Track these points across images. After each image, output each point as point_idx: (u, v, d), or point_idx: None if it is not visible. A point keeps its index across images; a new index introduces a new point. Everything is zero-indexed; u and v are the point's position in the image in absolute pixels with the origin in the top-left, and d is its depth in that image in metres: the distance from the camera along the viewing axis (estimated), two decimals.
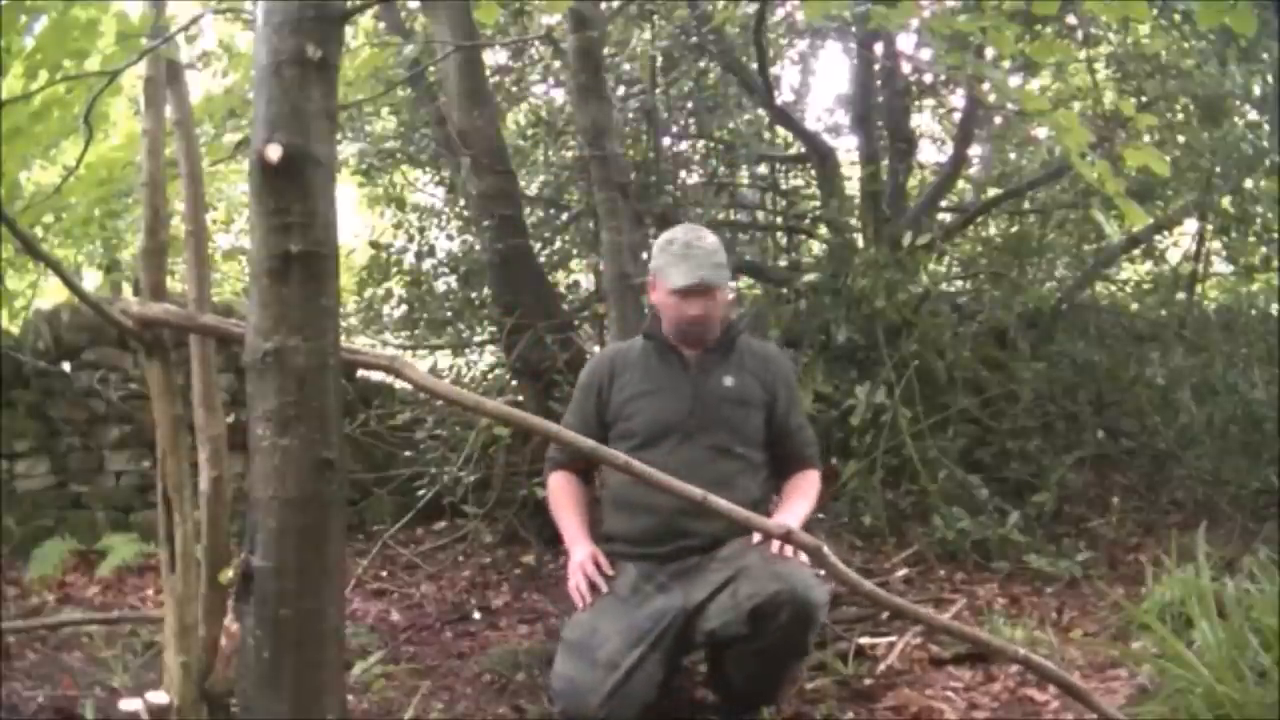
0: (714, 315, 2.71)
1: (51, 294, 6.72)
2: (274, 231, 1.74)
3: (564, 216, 6.17)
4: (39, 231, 4.58)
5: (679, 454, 2.60)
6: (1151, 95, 5.50)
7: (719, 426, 2.67)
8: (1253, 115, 5.53)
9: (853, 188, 6.05)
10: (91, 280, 7.35)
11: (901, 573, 3.75)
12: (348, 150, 5.96)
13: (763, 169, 6.69)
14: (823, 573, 2.26)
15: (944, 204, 6.36)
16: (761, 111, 6.16)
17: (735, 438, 2.67)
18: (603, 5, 5.05)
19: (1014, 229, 6.39)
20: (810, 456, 2.83)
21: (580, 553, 2.65)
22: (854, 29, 5.56)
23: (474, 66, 4.73)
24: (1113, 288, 6.63)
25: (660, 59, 5.77)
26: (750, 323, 5.06)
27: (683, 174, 6.23)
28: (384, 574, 4.29)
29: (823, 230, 5.95)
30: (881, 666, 2.91)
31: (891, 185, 5.82)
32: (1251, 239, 5.86)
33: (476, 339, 6.08)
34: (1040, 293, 5.22)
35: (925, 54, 5.77)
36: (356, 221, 7.42)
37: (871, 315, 4.68)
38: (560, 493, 2.82)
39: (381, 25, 5.56)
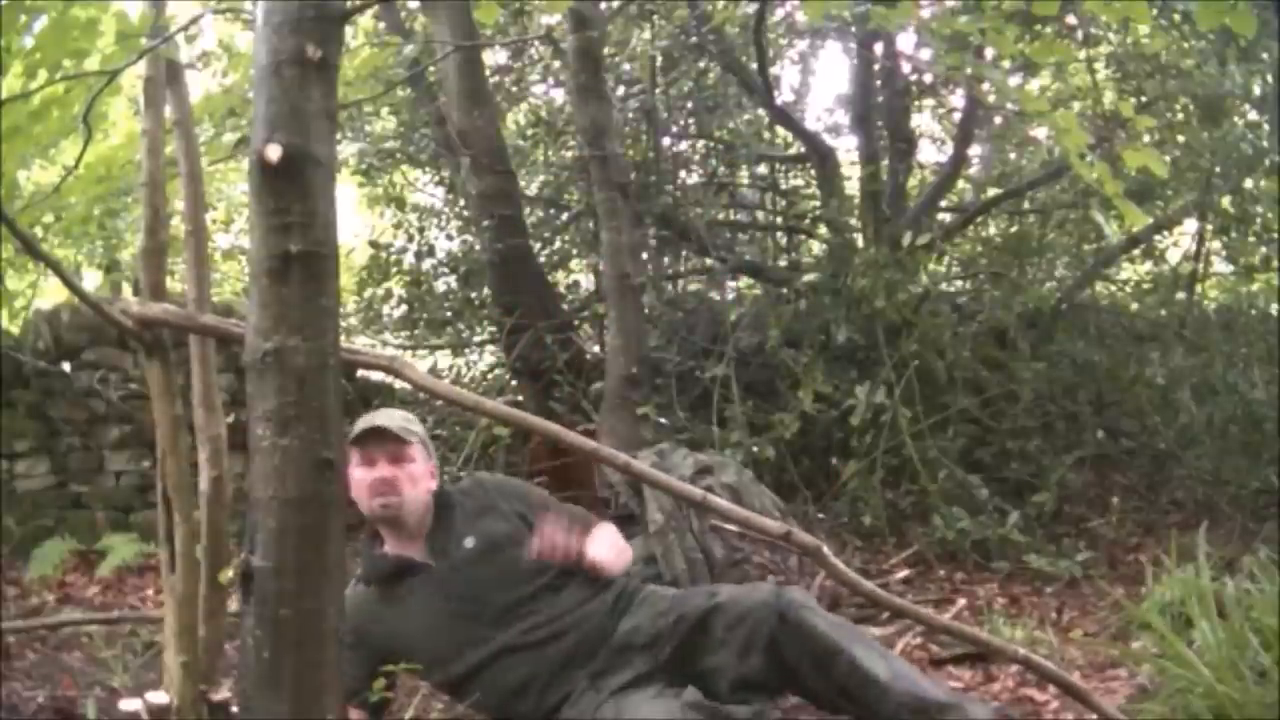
0: (402, 481, 2.31)
1: (51, 294, 6.71)
2: (274, 231, 1.74)
3: (564, 216, 6.17)
4: (39, 231, 4.57)
5: (509, 656, 2.22)
6: (1151, 95, 5.51)
7: (498, 595, 2.27)
8: (1253, 115, 5.54)
9: (853, 188, 6.06)
10: (91, 280, 7.35)
11: (902, 574, 3.75)
12: (348, 150, 5.96)
13: (763, 169, 6.69)
14: None
15: (944, 204, 6.37)
16: (761, 111, 6.17)
17: (524, 585, 2.25)
18: (603, 5, 5.06)
19: (1014, 229, 6.40)
20: (589, 523, 2.39)
21: None
22: (854, 29, 5.56)
23: (474, 66, 4.74)
24: (1113, 288, 6.64)
25: (660, 59, 5.77)
26: (750, 322, 5.06)
27: (683, 174, 6.23)
28: None
29: (823, 230, 5.96)
30: None
31: (891, 185, 5.82)
32: (1251, 239, 5.87)
33: (476, 339, 6.08)
34: (1040, 293, 5.22)
35: (925, 54, 5.78)
36: (356, 221, 7.41)
37: (871, 315, 4.68)
38: None
39: (381, 25, 5.56)
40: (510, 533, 2.33)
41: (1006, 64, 4.65)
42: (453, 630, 2.27)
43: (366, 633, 2.31)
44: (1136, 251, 6.38)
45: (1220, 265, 6.64)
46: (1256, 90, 5.17)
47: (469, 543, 2.32)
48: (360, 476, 2.33)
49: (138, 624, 3.20)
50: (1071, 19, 5.09)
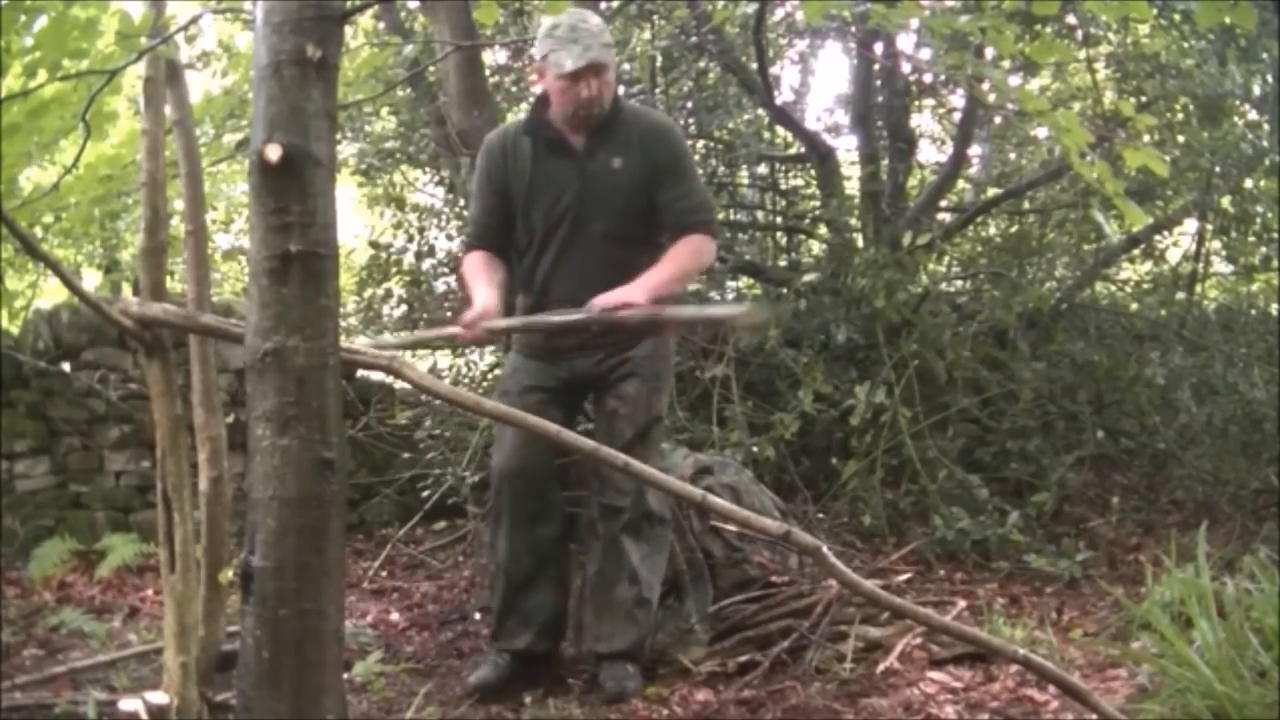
0: (605, 95, 2.73)
1: (51, 294, 6.71)
2: (273, 231, 1.74)
3: None
4: (39, 231, 4.58)
5: (572, 243, 2.73)
6: (1151, 95, 5.50)
7: (607, 213, 2.73)
8: (1253, 115, 5.54)
9: (853, 188, 6.05)
10: (91, 280, 7.35)
11: (904, 576, 3.74)
12: (348, 150, 5.96)
13: (763, 169, 6.69)
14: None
15: (944, 204, 6.36)
16: (761, 111, 6.16)
17: (625, 222, 2.72)
18: (603, 5, 5.05)
19: (1014, 229, 6.39)
20: (691, 224, 2.80)
21: (479, 306, 2.72)
22: (854, 29, 5.55)
23: (474, 66, 4.73)
24: (1113, 288, 6.63)
25: (660, 59, 5.77)
26: None
27: None
28: (384, 574, 4.29)
29: (822, 230, 5.95)
30: (881, 666, 2.91)
31: (891, 185, 5.82)
32: (1251, 239, 5.87)
33: None
34: (1040, 293, 5.22)
35: (925, 54, 5.77)
36: (356, 221, 7.40)
37: (871, 315, 4.68)
38: (473, 264, 2.88)
39: (381, 25, 5.55)
40: (646, 177, 2.76)
41: (1006, 64, 4.65)
42: (560, 217, 2.76)
43: (510, 164, 2.81)
44: (1136, 251, 6.38)
45: (1220, 265, 6.63)
46: (1256, 90, 5.17)
47: (616, 163, 2.76)
48: (565, 88, 2.70)
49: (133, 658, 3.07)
50: (1071, 19, 5.09)
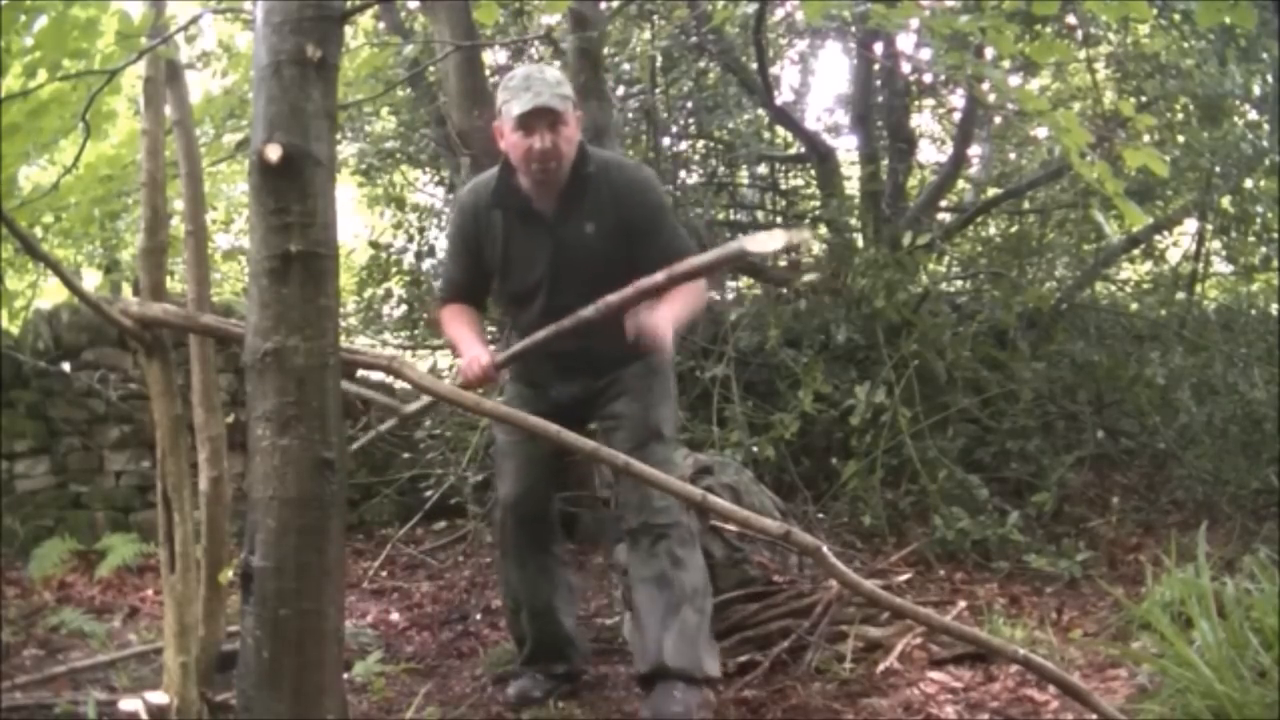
0: (562, 149, 2.57)
1: (51, 294, 6.71)
2: (273, 231, 1.74)
3: None
4: (39, 231, 4.58)
5: (550, 312, 2.53)
6: (1151, 95, 5.51)
7: (581, 281, 2.53)
8: (1253, 115, 5.54)
9: (853, 187, 6.06)
10: (91, 280, 7.35)
11: (904, 576, 3.74)
12: (348, 150, 5.96)
13: (763, 169, 6.69)
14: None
15: (944, 204, 6.37)
16: (761, 111, 6.17)
17: (600, 287, 2.44)
18: (603, 5, 5.05)
19: (1014, 229, 6.40)
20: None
21: (474, 351, 2.63)
22: (854, 29, 5.56)
23: (474, 66, 4.73)
24: (1113, 288, 6.64)
25: (660, 59, 5.77)
26: (750, 322, 5.06)
27: (683, 174, 6.23)
28: (384, 574, 4.29)
29: (823, 230, 5.96)
30: (881, 666, 2.91)
31: (891, 185, 5.82)
32: (1251, 239, 5.87)
33: None
34: (1040, 293, 5.22)
35: (925, 54, 5.78)
36: (356, 221, 7.41)
37: (871, 315, 4.68)
38: (452, 317, 2.80)
39: (381, 25, 5.56)
40: (622, 237, 2.63)
41: (1006, 64, 4.65)
42: (535, 286, 2.68)
43: (483, 230, 2.72)
44: (1136, 251, 6.39)
45: (1220, 265, 6.64)
46: (1256, 90, 5.17)
47: (589, 228, 2.65)
48: (518, 141, 2.57)
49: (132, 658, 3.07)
50: (1071, 19, 5.09)
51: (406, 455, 4.81)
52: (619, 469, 2.14)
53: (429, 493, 4.54)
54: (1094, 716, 2.10)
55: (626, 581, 3.13)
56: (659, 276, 2.24)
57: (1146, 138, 4.90)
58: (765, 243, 2.09)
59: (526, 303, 2.72)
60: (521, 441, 2.73)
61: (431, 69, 5.01)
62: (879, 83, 5.98)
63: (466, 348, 2.67)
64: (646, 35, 5.72)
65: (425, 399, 2.61)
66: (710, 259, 2.28)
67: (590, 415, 2.79)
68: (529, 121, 2.53)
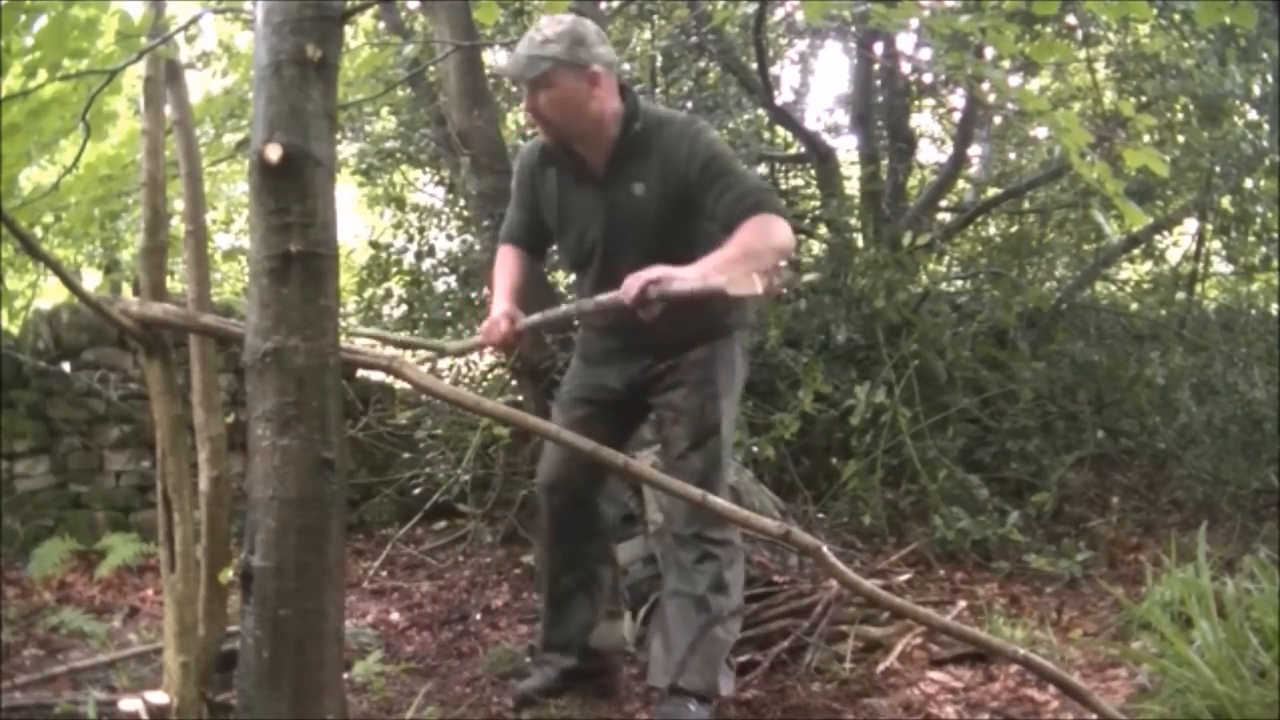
0: (544, 114, 2.44)
1: (51, 294, 6.71)
2: (274, 231, 1.74)
3: None
4: (39, 231, 4.58)
5: (609, 276, 2.44)
6: (1151, 95, 5.51)
7: (637, 246, 2.45)
8: (1253, 115, 5.54)
9: (853, 187, 6.05)
10: (91, 280, 7.35)
11: (904, 576, 3.74)
12: (348, 150, 5.96)
13: (763, 169, 6.68)
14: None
15: (944, 204, 6.37)
16: (761, 111, 6.16)
17: (658, 253, 2.37)
18: (603, 5, 5.05)
19: (1014, 229, 6.40)
20: (741, 212, 2.39)
21: (499, 310, 2.58)
22: (854, 29, 5.56)
23: (474, 66, 4.73)
24: (1113, 288, 6.64)
25: (660, 59, 5.77)
26: (750, 322, 5.06)
27: None
28: (384, 574, 4.29)
29: (823, 230, 5.95)
30: (881, 666, 2.91)
31: (891, 185, 5.82)
32: (1251, 239, 5.87)
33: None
34: (1040, 293, 5.22)
35: (925, 54, 5.78)
36: (356, 221, 7.41)
37: (871, 315, 4.68)
38: (501, 261, 2.74)
39: (381, 25, 5.55)
40: (675, 194, 2.49)
41: (1006, 64, 4.65)
42: (590, 250, 2.60)
43: (539, 182, 2.67)
44: (1136, 251, 6.39)
45: (1220, 265, 6.65)
46: (1256, 90, 5.17)
47: (638, 189, 2.53)
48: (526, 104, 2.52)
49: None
50: (1071, 19, 5.09)
51: (406, 455, 4.81)
52: (619, 469, 2.14)
53: (416, 490, 4.53)
54: (1094, 716, 2.10)
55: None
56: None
57: (1146, 138, 4.91)
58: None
59: (584, 266, 2.64)
60: (571, 424, 2.55)
61: (431, 69, 5.01)
62: (879, 83, 5.98)
63: (496, 304, 2.61)
64: (646, 35, 5.72)
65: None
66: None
67: (650, 397, 2.67)
68: (526, 88, 2.46)
